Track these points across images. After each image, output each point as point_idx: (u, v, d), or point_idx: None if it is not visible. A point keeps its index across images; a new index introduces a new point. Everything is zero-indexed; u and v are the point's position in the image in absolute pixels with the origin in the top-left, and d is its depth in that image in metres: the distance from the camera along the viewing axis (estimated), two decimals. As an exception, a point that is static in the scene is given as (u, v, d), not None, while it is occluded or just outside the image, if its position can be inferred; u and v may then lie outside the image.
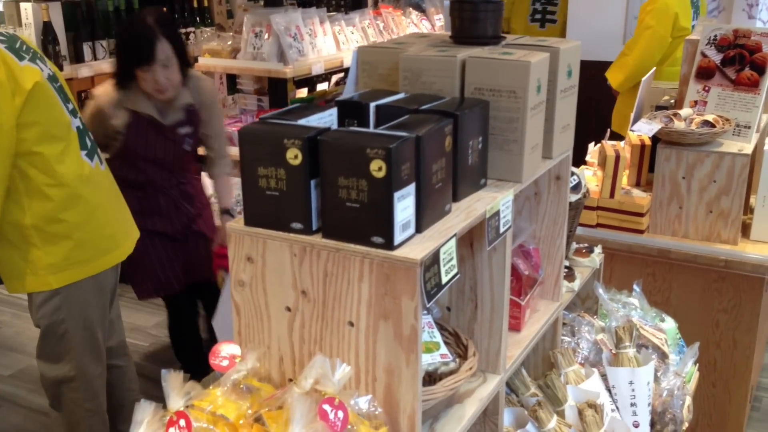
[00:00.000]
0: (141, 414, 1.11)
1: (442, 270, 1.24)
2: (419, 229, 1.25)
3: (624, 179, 3.14)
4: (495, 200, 1.40)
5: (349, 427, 1.19)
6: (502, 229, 1.43)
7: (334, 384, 1.19)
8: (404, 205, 1.20)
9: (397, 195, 1.17)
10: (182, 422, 1.13)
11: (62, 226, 2.19)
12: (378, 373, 1.27)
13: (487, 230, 1.38)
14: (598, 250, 2.09)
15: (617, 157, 2.89)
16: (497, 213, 1.40)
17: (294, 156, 1.21)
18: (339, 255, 1.23)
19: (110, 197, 2.38)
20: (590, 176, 3.17)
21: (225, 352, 1.30)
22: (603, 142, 3.07)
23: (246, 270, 1.34)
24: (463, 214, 1.35)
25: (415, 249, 1.20)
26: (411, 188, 1.21)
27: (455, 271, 1.28)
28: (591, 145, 3.40)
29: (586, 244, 2.10)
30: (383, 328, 1.23)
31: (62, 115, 2.18)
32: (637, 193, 3.08)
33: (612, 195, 3.02)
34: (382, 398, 1.27)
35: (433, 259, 1.21)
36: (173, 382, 1.15)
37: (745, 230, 2.99)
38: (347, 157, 1.18)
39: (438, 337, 1.45)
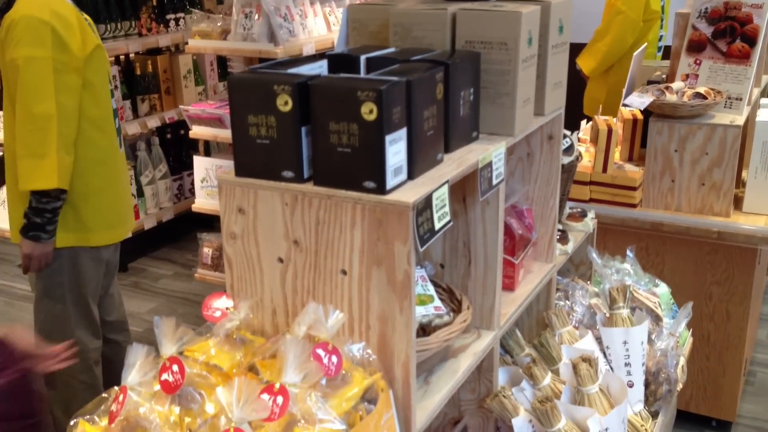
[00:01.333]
0: (133, 357, 1.10)
1: (435, 216, 1.23)
2: (411, 175, 1.25)
3: (616, 155, 3.15)
4: (487, 151, 1.39)
5: (343, 372, 1.19)
6: (494, 181, 1.42)
7: (328, 330, 1.18)
8: (396, 150, 1.19)
9: (388, 138, 1.17)
10: (175, 367, 1.12)
11: (81, 188, 2.27)
12: (371, 322, 1.26)
13: (480, 181, 1.37)
14: (591, 214, 2.09)
15: (609, 131, 2.89)
16: (490, 164, 1.40)
17: (284, 102, 1.21)
18: (331, 202, 1.22)
19: (125, 178, 2.49)
20: (583, 152, 3.17)
21: (217, 304, 1.29)
22: (595, 117, 3.07)
23: (237, 222, 1.33)
24: (455, 163, 1.34)
25: (407, 193, 1.20)
26: (402, 133, 1.20)
27: (448, 218, 1.27)
28: (583, 123, 3.41)
29: (579, 209, 2.10)
30: (376, 275, 1.23)
31: (107, 85, 2.35)
32: (629, 167, 3.08)
33: (605, 169, 3.02)
34: (376, 347, 1.26)
35: (426, 204, 1.20)
36: (166, 328, 1.14)
37: (737, 203, 3.00)
38: (338, 101, 1.17)
39: (432, 291, 1.45)
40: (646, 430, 1.76)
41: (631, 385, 1.82)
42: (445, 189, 1.25)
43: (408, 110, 1.21)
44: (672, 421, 2.05)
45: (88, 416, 1.09)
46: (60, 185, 2.19)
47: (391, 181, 1.19)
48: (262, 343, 1.27)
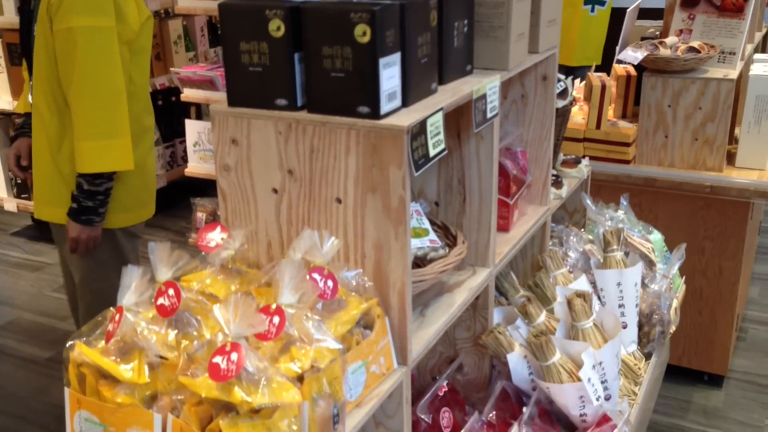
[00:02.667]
0: (128, 278, 1.10)
1: (430, 142, 1.23)
2: (405, 102, 1.24)
3: (610, 112, 3.14)
4: (482, 83, 1.39)
5: (339, 298, 1.19)
6: (489, 114, 1.42)
7: (323, 255, 1.18)
8: (390, 74, 1.18)
9: (382, 62, 1.16)
10: (171, 291, 1.12)
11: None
12: (367, 250, 1.26)
13: (474, 112, 1.37)
14: (585, 161, 2.09)
15: (603, 87, 2.89)
16: (484, 96, 1.39)
17: (276, 27, 1.19)
18: (325, 129, 1.22)
19: (153, 153, 2.39)
20: (576, 110, 3.17)
21: (212, 235, 1.29)
22: (589, 74, 3.06)
23: (231, 153, 1.32)
24: (449, 93, 1.33)
25: (401, 118, 1.19)
26: (396, 57, 1.19)
27: (443, 146, 1.27)
28: (577, 82, 3.40)
29: (573, 155, 2.10)
30: (371, 201, 1.23)
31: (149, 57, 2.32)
32: (623, 124, 3.08)
33: (598, 126, 3.02)
34: (371, 275, 1.26)
35: (420, 129, 1.20)
36: (161, 253, 1.14)
37: (730, 159, 3.01)
38: (331, 24, 1.16)
39: (427, 225, 1.45)
40: (639, 368, 1.78)
41: (624, 327, 1.83)
42: (439, 116, 1.25)
43: (402, 34, 1.20)
44: (665, 364, 2.07)
45: (84, 338, 1.09)
46: (126, 167, 2.10)
47: (385, 106, 1.19)
48: (257, 273, 1.27)
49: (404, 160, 1.18)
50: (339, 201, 1.25)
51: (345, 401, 1.12)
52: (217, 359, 0.99)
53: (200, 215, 3.84)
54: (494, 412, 1.53)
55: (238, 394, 0.98)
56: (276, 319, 1.07)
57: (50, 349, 3.40)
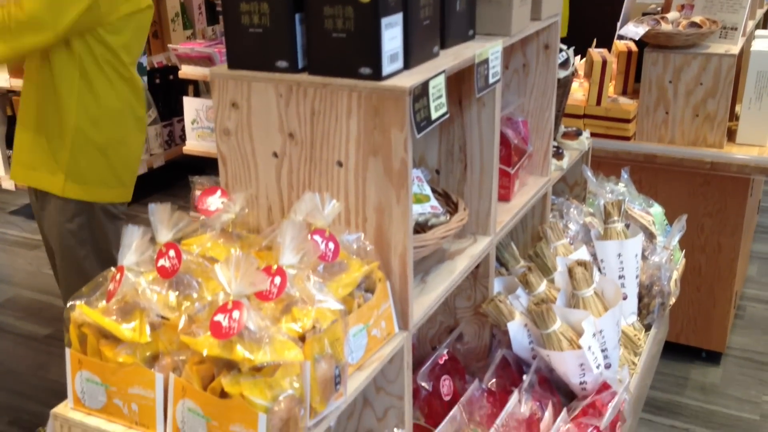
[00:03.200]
0: (129, 238, 1.09)
1: (432, 105, 1.22)
2: (407, 65, 1.23)
3: (610, 89, 3.13)
4: (484, 47, 1.37)
5: (340, 261, 1.18)
6: (491, 80, 1.41)
7: (325, 218, 1.18)
8: (392, 35, 1.17)
9: (384, 21, 1.14)
10: (172, 253, 1.11)
11: (101, 136, 2.20)
12: (368, 213, 1.25)
13: (476, 77, 1.36)
14: (586, 134, 2.08)
15: (604, 63, 2.87)
16: (486, 61, 1.38)
17: (277, -13, 1.18)
18: (326, 91, 1.21)
19: (140, 140, 2.40)
20: (576, 87, 3.15)
21: (212, 199, 1.28)
22: (589, 50, 3.04)
23: (231, 117, 1.31)
24: (451, 56, 1.32)
25: (403, 80, 1.18)
26: (398, 18, 1.18)
27: (445, 109, 1.26)
28: (577, 59, 3.38)
29: (573, 128, 2.09)
30: (372, 164, 1.22)
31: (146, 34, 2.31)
32: (623, 100, 3.06)
33: (599, 102, 3.00)
34: (372, 239, 1.25)
35: (422, 91, 1.19)
36: (161, 214, 1.13)
37: (731, 136, 3.00)
38: (332, -17, 1.14)
39: (428, 191, 1.44)
40: (639, 339, 1.78)
41: (624, 298, 1.83)
42: (441, 78, 1.24)
43: (404, -6, 1.18)
44: (663, 339, 2.07)
45: (84, 299, 1.08)
46: None
47: (387, 68, 1.18)
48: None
49: (406, 122, 1.17)
50: (340, 164, 1.24)
51: (346, 363, 1.11)
52: (219, 317, 0.99)
53: (199, 194, 3.82)
54: (494, 380, 1.53)
55: (240, 352, 0.97)
56: (277, 280, 1.06)
57: (49, 326, 3.40)
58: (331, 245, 1.16)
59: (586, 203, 2.15)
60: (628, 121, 2.98)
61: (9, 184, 4.19)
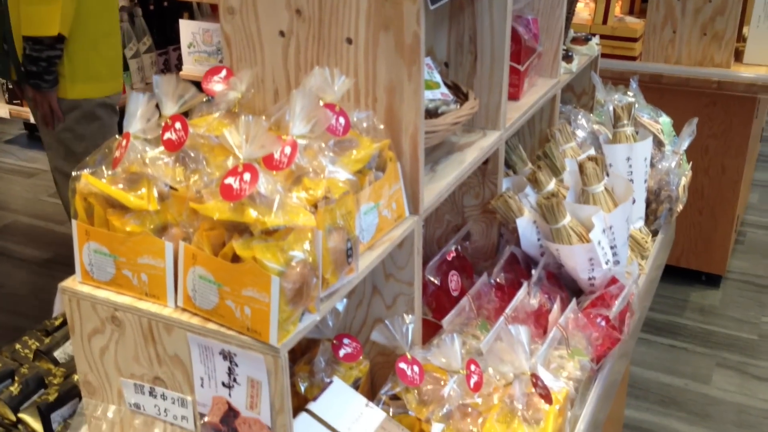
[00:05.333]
0: (133, 104, 1.05)
1: (445, -23, 1.17)
2: (420, -65, 1.18)
3: (617, 8, 3.06)
4: (497, -75, 1.32)
5: (351, 138, 1.16)
6: (504, -38, 1.36)
7: (335, 92, 1.14)
8: None
9: None
10: (178, 125, 1.08)
11: (90, 35, 2.27)
12: (378, 93, 1.22)
13: (490, -43, 1.31)
14: (595, 39, 2.03)
15: (611, -22, 2.80)
16: (500, -60, 1.33)
17: None
18: (335, -39, 1.16)
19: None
20: (582, 6, 3.08)
21: (218, 77, 1.24)
22: (596, -33, 2.96)
23: (236, -5, 1.26)
24: (464, -68, 1.27)
25: (416, -52, 1.13)
26: None
27: (458, -15, 1.21)
28: (583, -21, 3.29)
29: (583, 33, 2.04)
30: (384, 40, 1.18)
31: None
32: (630, 19, 3.00)
33: (605, 21, 2.94)
34: (383, 120, 1.22)
35: (436, -40, 1.14)
36: (165, 86, 1.09)
37: (738, 57, 2.95)
38: None
39: (438, 78, 1.41)
40: (647, 242, 1.77)
41: (633, 203, 1.81)
42: (455, -50, 1.19)
43: None
44: (671, 244, 2.06)
45: (89, 169, 1.05)
46: (62, 31, 2.19)
47: (399, -65, 1.13)
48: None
49: (419, -7, 1.12)
50: (350, 41, 1.20)
51: (358, 238, 1.10)
52: (230, 180, 0.96)
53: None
54: (503, 275, 1.52)
55: (252, 215, 0.95)
56: (288, 149, 1.03)
57: (48, 251, 3.39)
58: (342, 120, 1.13)
59: (594, 113, 2.12)
60: (634, 40, 2.92)
61: (4, 112, 4.12)
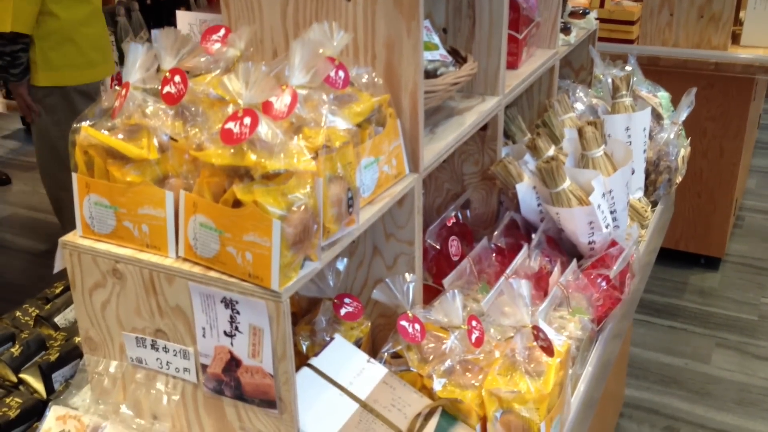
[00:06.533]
0: (132, 55, 1.05)
1: (443, -68, 1.17)
2: None
3: (614, -8, 3.07)
4: None
5: (351, 93, 1.16)
6: (501, -77, 1.36)
7: (334, 47, 1.14)
8: None
9: None
10: (177, 78, 1.08)
11: (60, 25, 2.35)
12: (378, 50, 1.22)
13: None
14: (594, 13, 2.04)
15: (608, -39, 2.81)
16: None
17: None
18: None
19: (101, 16, 2.60)
20: (579, -9, 3.08)
21: (216, 36, 1.24)
22: (593, -49, 2.97)
23: (234, -46, 1.26)
24: None
25: None
26: None
27: (456, -59, 1.21)
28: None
29: (581, 8, 2.04)
30: (382, -5, 1.18)
31: None
32: (627, 2, 3.01)
33: (602, 4, 2.95)
34: (382, 76, 1.22)
35: None
36: (164, 39, 1.09)
37: (735, 39, 2.96)
38: None
39: (437, 40, 1.41)
40: (646, 212, 1.77)
41: (632, 173, 1.81)
42: None
43: None
44: (670, 216, 2.06)
45: (88, 122, 1.05)
46: (14, 29, 2.26)
47: None
48: (264, 74, 1.22)
49: (418, -54, 1.12)
50: (348, -2, 1.20)
51: (359, 190, 1.10)
52: (230, 125, 0.96)
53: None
54: (503, 239, 1.52)
55: (252, 158, 0.95)
56: (287, 98, 1.03)
57: (47, 243, 3.39)
58: (341, 73, 1.13)
59: (592, 89, 2.12)
60: (632, 23, 2.93)
61: (1, 107, 4.11)
